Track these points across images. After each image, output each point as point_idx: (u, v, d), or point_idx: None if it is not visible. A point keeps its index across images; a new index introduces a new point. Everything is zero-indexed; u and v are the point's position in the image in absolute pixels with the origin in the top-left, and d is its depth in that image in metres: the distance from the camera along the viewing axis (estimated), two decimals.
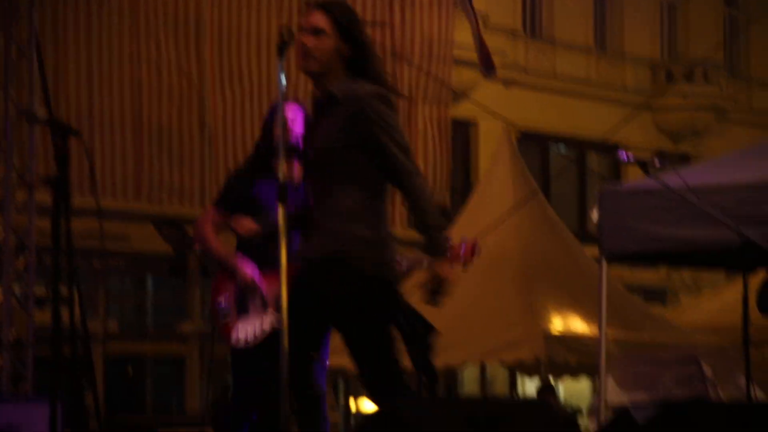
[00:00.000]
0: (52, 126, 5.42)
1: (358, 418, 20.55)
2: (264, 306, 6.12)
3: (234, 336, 6.11)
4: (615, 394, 10.25)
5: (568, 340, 11.61)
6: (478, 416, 5.26)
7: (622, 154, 6.68)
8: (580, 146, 24.49)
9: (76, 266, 5.54)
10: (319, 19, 4.94)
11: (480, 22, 22.37)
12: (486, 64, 16.13)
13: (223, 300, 6.18)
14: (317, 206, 4.97)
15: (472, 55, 16.96)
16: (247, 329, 6.09)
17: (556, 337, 11.54)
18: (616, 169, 24.91)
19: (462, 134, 23.55)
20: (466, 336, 11.90)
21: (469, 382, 22.11)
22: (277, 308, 5.03)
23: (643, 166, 6.70)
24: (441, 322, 12.13)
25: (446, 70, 19.73)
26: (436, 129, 19.58)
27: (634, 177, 15.40)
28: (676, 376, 10.25)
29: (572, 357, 11.77)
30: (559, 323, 11.75)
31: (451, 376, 16.74)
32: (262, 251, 6.02)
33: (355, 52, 4.96)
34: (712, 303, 14.79)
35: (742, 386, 9.77)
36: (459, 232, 13.03)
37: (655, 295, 24.63)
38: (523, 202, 11.51)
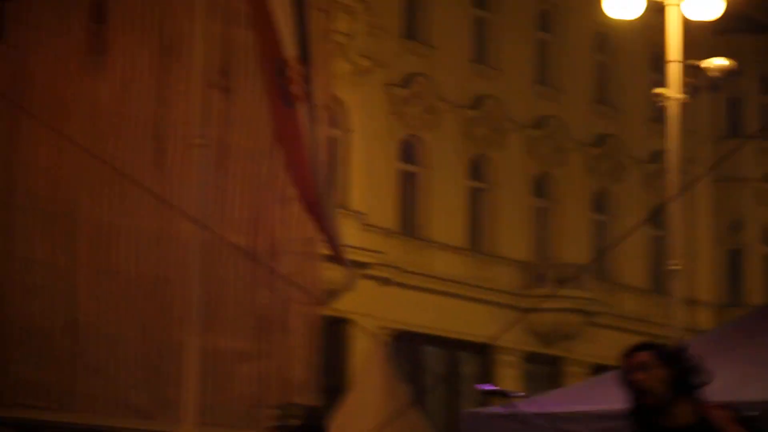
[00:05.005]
0: None
1: None
2: None
3: None
4: None
5: None
6: None
7: (483, 386, 6.83)
8: (453, 347, 24.69)
9: None
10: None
11: (358, 220, 22.74)
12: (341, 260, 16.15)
13: None
14: None
15: (346, 253, 17.04)
16: None
17: None
18: (488, 371, 25.10)
19: (336, 332, 23.60)
20: None
21: None
22: None
23: (504, 394, 6.85)
24: None
25: (319, 268, 19.84)
26: (307, 327, 19.58)
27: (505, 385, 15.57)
28: None
29: None
30: None
31: None
32: None
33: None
34: None
35: None
36: None
37: None
38: (396, 415, 11.55)
